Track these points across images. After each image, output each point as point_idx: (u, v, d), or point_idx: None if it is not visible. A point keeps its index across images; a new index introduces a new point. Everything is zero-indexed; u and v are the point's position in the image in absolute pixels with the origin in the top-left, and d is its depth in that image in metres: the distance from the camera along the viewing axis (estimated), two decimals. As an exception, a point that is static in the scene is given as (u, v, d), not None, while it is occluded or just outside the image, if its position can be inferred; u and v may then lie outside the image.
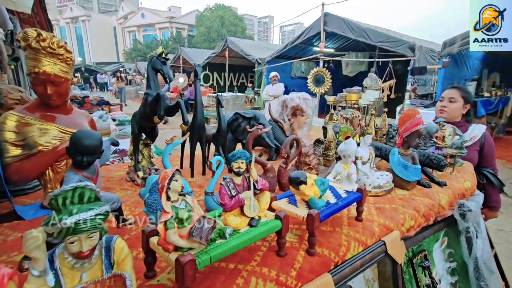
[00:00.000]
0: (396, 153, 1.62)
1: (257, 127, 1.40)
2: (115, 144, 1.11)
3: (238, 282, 0.77)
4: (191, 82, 14.30)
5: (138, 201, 1.36)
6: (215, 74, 16.77)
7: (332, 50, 11.40)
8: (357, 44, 10.39)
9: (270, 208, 1.03)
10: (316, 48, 10.88)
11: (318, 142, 1.72)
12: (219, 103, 1.83)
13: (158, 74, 1.53)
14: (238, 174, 0.85)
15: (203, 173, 1.87)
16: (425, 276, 1.52)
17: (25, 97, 1.49)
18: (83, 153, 0.85)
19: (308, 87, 9.52)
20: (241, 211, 0.84)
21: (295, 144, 1.59)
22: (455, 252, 1.84)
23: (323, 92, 9.56)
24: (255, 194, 0.88)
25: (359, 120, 2.36)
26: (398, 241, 1.19)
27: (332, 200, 1.08)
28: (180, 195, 0.71)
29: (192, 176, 1.82)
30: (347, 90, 8.38)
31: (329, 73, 9.25)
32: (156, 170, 1.73)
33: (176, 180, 0.69)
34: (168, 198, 0.68)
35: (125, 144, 4.03)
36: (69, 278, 0.67)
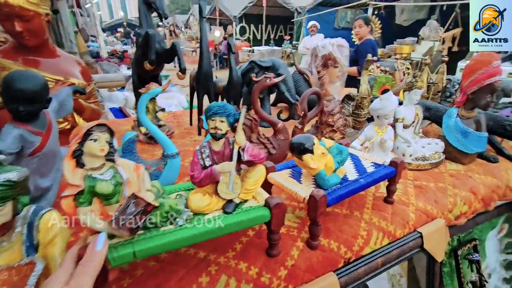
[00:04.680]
0: (453, 114, 1.22)
1: (266, 76, 1.10)
2: (81, 92, 0.91)
3: (201, 281, 0.57)
4: (226, 36, 13.67)
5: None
6: (252, 26, 15.79)
7: (385, -6, 9.75)
8: (417, -15, 8.68)
9: (267, 185, 0.79)
10: (366, -8, 9.44)
11: (348, 98, 1.37)
12: (229, 49, 1.52)
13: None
14: (215, 137, 0.61)
15: (212, 131, 1.65)
16: (472, 271, 1.22)
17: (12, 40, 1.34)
18: (17, 99, 0.66)
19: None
20: (215, 190, 0.61)
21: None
22: (516, 243, 1.47)
23: (370, 45, 8.42)
24: (239, 168, 0.64)
25: (404, 74, 1.89)
26: (442, 233, 0.89)
27: (352, 175, 0.79)
28: (108, 160, 0.50)
29: (199, 134, 1.62)
30: (399, 41, 7.25)
31: (379, 22, 8.01)
32: (160, 126, 1.55)
33: (95, 140, 0.47)
34: (81, 165, 0.46)
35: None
36: (-18, 259, 0.53)
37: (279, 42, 14.62)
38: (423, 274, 0.93)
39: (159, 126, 1.53)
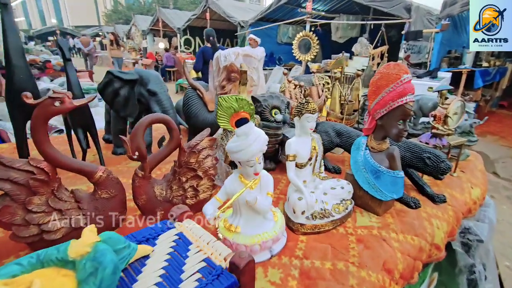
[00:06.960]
0: (361, 146, 0.90)
1: (52, 97, 0.64)
2: None
3: None
4: (167, 47, 13.06)
5: None
6: (197, 39, 15.43)
7: (321, 13, 10.26)
8: (349, 6, 9.29)
9: None
10: (302, 9, 9.85)
11: (229, 125, 0.98)
12: (63, 56, 1.03)
13: None
14: None
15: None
16: None
17: None
18: None
19: (294, 54, 8.59)
20: None
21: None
22: (447, 293, 1.22)
23: (310, 59, 8.69)
24: None
25: (323, 90, 1.60)
26: None
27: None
28: None
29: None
30: (334, 57, 7.52)
31: (317, 38, 8.29)
32: None
33: None
34: None
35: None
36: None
37: (224, 55, 14.39)
38: None
39: None
